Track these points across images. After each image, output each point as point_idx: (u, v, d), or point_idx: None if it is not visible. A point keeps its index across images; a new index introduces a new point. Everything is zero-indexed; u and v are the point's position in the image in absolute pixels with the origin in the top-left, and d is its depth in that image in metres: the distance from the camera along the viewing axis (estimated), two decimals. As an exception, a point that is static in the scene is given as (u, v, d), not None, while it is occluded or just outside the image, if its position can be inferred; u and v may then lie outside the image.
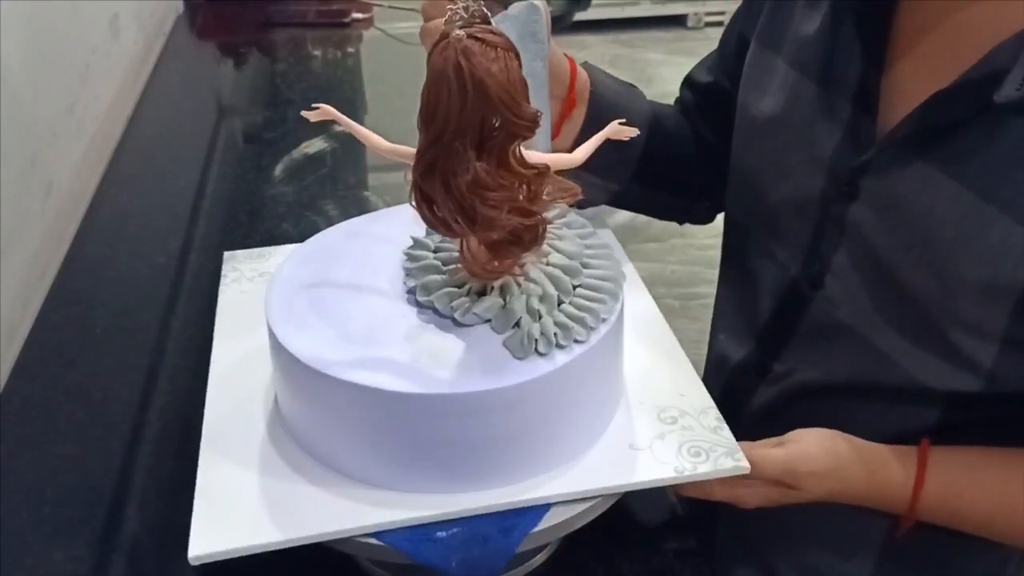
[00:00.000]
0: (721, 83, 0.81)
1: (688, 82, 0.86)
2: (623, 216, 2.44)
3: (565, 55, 0.72)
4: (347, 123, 0.54)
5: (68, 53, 1.11)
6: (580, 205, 0.70)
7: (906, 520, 0.65)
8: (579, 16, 2.93)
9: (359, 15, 1.70)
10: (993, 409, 0.64)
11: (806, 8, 0.69)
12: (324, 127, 1.25)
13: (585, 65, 0.75)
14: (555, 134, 0.74)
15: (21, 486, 0.69)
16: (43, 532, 0.66)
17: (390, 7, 1.69)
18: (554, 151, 0.76)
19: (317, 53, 1.62)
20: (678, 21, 3.93)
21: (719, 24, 4.21)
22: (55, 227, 1.00)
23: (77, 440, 0.74)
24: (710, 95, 0.82)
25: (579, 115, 0.74)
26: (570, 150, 0.76)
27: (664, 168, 0.81)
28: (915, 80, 0.61)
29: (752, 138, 0.73)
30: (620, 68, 3.52)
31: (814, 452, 0.62)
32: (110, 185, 1.13)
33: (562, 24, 2.86)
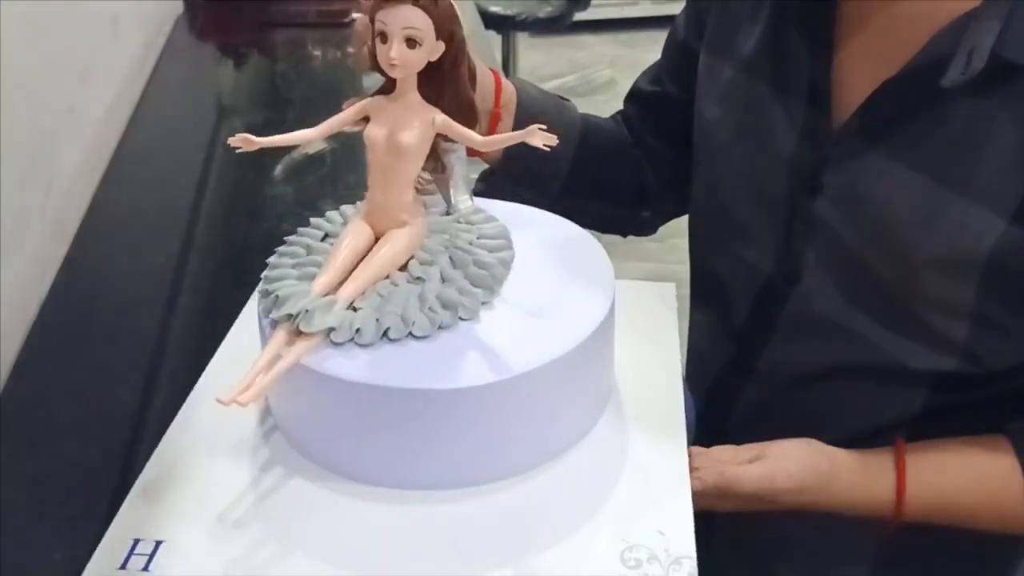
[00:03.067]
0: (668, 91, 0.82)
1: (632, 95, 0.86)
2: (623, 216, 2.43)
3: (490, 69, 0.72)
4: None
5: (68, 53, 1.11)
6: None
7: (892, 525, 0.65)
8: (579, 16, 2.93)
9: (359, 15, 1.70)
10: (978, 390, 0.65)
11: (751, 12, 0.70)
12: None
13: (515, 80, 0.75)
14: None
15: (21, 486, 0.69)
16: (43, 532, 0.66)
17: (390, 7, 1.69)
18: (486, 159, 0.77)
19: (317, 53, 1.62)
20: (678, 21, 3.93)
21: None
22: (55, 227, 1.00)
23: (77, 440, 0.74)
24: (656, 104, 0.83)
25: (504, 129, 0.74)
26: (495, 165, 0.76)
27: (596, 179, 0.81)
28: (863, 73, 0.63)
29: (711, 145, 0.74)
30: (620, 68, 3.52)
31: (792, 468, 0.62)
32: (110, 185, 1.13)
33: (562, 24, 2.86)
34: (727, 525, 0.78)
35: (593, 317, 0.55)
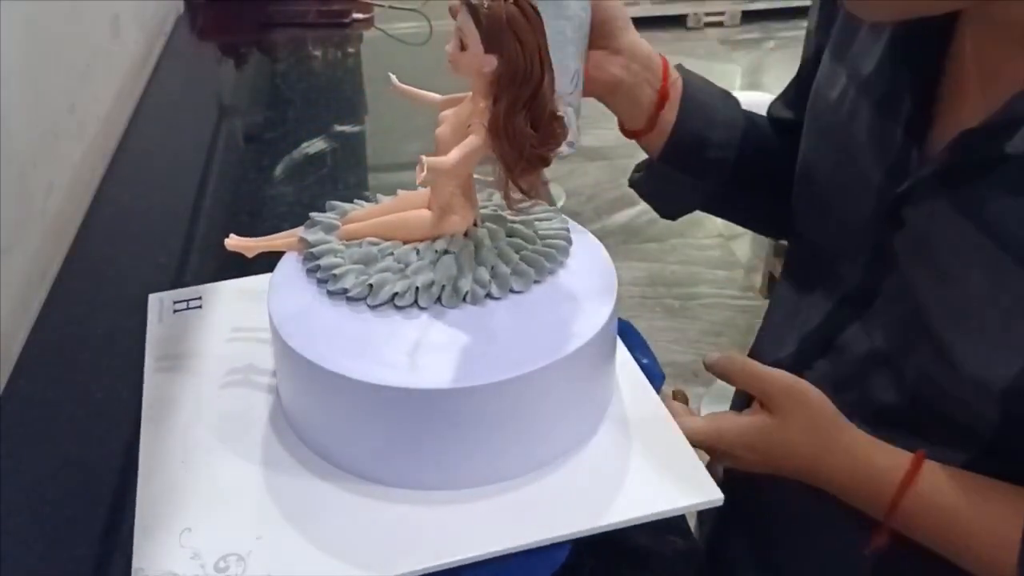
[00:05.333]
0: (801, 116, 0.80)
1: (770, 118, 0.85)
2: (623, 216, 2.45)
3: (659, 55, 0.77)
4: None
5: (68, 53, 1.11)
6: (669, 211, 0.70)
7: (883, 525, 0.62)
8: (579, 16, 2.93)
9: (359, 15, 1.70)
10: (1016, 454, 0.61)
11: (869, 31, 0.69)
12: (324, 127, 1.25)
13: (679, 68, 0.78)
14: (651, 125, 0.77)
15: (21, 486, 0.69)
16: (43, 532, 0.66)
17: (390, 7, 1.69)
18: (648, 142, 0.79)
19: (317, 53, 1.62)
20: (678, 21, 3.92)
21: (719, 24, 4.20)
22: (55, 227, 1.00)
23: (77, 440, 0.74)
24: (793, 131, 0.81)
25: (670, 112, 0.76)
26: (657, 153, 0.78)
27: (757, 173, 0.81)
28: (959, 117, 0.61)
29: (818, 152, 0.73)
30: (620, 68, 3.51)
31: (796, 437, 0.63)
32: (110, 185, 1.13)
33: (562, 24, 2.87)
34: (743, 524, 0.78)
35: (596, 318, 0.56)
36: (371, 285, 0.55)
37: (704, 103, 0.77)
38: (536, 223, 0.63)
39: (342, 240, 0.60)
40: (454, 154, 0.53)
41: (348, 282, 0.56)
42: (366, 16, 1.71)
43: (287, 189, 1.13)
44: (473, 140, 0.53)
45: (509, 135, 0.53)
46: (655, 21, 3.88)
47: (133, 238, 1.05)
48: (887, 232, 0.64)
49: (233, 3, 1.74)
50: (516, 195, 0.57)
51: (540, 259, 0.59)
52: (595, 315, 0.56)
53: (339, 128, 1.25)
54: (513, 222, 0.62)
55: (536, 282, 0.59)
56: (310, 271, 0.59)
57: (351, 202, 0.65)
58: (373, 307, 0.55)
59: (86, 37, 1.18)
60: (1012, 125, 0.55)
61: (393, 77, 0.61)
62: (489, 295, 0.56)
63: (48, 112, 1.02)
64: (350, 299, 0.56)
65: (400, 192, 0.64)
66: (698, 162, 0.77)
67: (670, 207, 0.86)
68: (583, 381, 0.56)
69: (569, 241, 0.62)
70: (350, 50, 1.63)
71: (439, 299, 0.56)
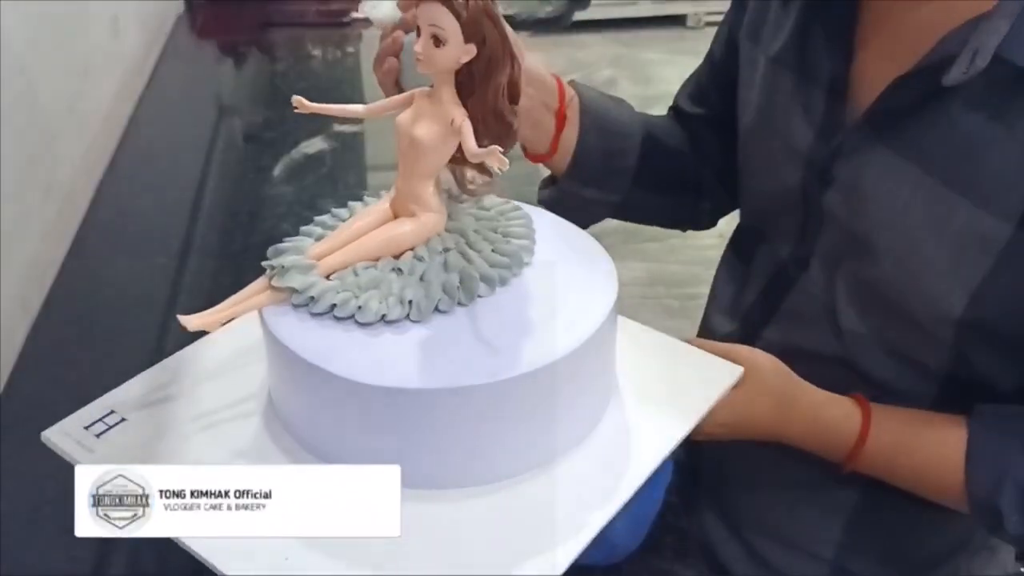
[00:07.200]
0: (709, 106, 0.83)
1: (676, 109, 0.86)
2: (623, 216, 2.43)
3: (552, 75, 0.73)
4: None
5: (68, 53, 1.11)
6: (580, 223, 0.72)
7: (845, 467, 0.66)
8: (579, 16, 2.95)
9: (358, 15, 1.70)
10: (958, 403, 0.65)
11: (780, 5, 0.71)
12: (324, 127, 1.26)
13: (572, 83, 0.77)
14: (554, 148, 0.75)
15: (21, 486, 0.69)
16: (43, 532, 0.66)
17: (390, 7, 1.70)
18: (552, 163, 0.78)
19: (317, 53, 1.62)
20: (678, 21, 3.92)
21: (719, 24, 4.21)
22: (55, 227, 1.00)
23: (77, 440, 0.74)
24: (700, 121, 0.83)
25: (571, 131, 0.75)
26: (561, 170, 0.77)
27: (661, 173, 0.82)
28: (880, 72, 0.63)
29: (746, 134, 0.76)
30: (620, 68, 3.52)
31: (759, 410, 0.64)
32: (110, 185, 1.13)
33: (562, 24, 2.87)
34: (712, 493, 0.79)
35: (595, 317, 0.56)
36: (411, 302, 0.54)
37: (600, 115, 0.77)
38: (476, 203, 0.63)
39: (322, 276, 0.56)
40: (473, 143, 0.52)
41: (374, 310, 0.54)
42: (365, 16, 1.71)
43: (287, 189, 1.13)
44: (469, 128, 0.53)
45: (498, 116, 0.54)
46: (655, 21, 3.88)
47: (133, 238, 1.05)
48: (817, 193, 0.67)
49: (233, 3, 1.74)
50: (474, 178, 0.57)
51: (515, 236, 0.60)
52: (594, 314, 0.56)
53: (338, 128, 1.26)
54: (465, 209, 0.62)
55: (526, 264, 0.59)
56: (317, 314, 0.54)
57: (344, 206, 0.64)
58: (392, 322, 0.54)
59: (86, 37, 1.19)
60: (946, 62, 0.58)
61: (297, 98, 0.56)
62: (502, 279, 0.57)
63: (48, 112, 1.02)
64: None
65: (354, 206, 0.63)
66: (602, 175, 0.78)
67: (580, 220, 0.86)
68: (583, 379, 0.56)
69: (516, 207, 0.63)
70: (349, 50, 1.63)
71: (459, 301, 0.55)
